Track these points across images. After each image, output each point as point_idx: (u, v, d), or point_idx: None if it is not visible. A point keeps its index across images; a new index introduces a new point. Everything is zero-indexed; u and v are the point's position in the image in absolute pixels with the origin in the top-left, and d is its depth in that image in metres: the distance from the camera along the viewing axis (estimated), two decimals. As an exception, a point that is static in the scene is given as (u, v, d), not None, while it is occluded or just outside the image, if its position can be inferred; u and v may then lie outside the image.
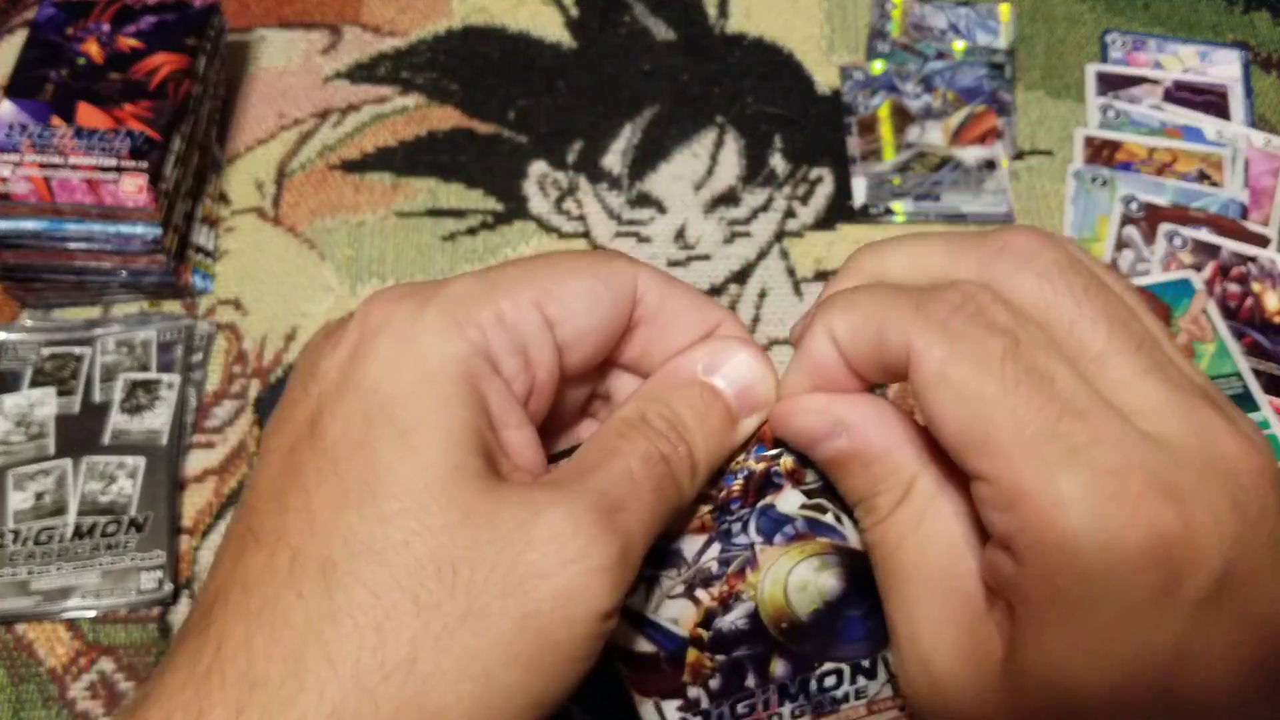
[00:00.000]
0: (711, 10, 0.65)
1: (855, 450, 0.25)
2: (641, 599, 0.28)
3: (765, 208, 0.57)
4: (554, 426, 0.30)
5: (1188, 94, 0.62)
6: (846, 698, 0.30)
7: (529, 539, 0.22)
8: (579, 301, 0.26)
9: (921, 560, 0.25)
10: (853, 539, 0.28)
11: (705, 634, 0.28)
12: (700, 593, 0.28)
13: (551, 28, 0.64)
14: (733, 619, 0.28)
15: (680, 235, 0.56)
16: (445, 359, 0.24)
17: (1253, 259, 0.55)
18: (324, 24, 0.63)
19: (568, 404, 0.29)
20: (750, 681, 0.29)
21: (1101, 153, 0.59)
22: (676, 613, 0.28)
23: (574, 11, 0.64)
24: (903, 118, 0.60)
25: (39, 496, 0.46)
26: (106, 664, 0.44)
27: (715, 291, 0.55)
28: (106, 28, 0.54)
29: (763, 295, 0.54)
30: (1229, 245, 0.56)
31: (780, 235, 0.56)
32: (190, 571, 0.46)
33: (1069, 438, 0.21)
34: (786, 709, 0.30)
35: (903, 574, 0.25)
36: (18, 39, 0.59)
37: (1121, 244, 0.56)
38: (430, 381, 0.23)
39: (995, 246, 0.24)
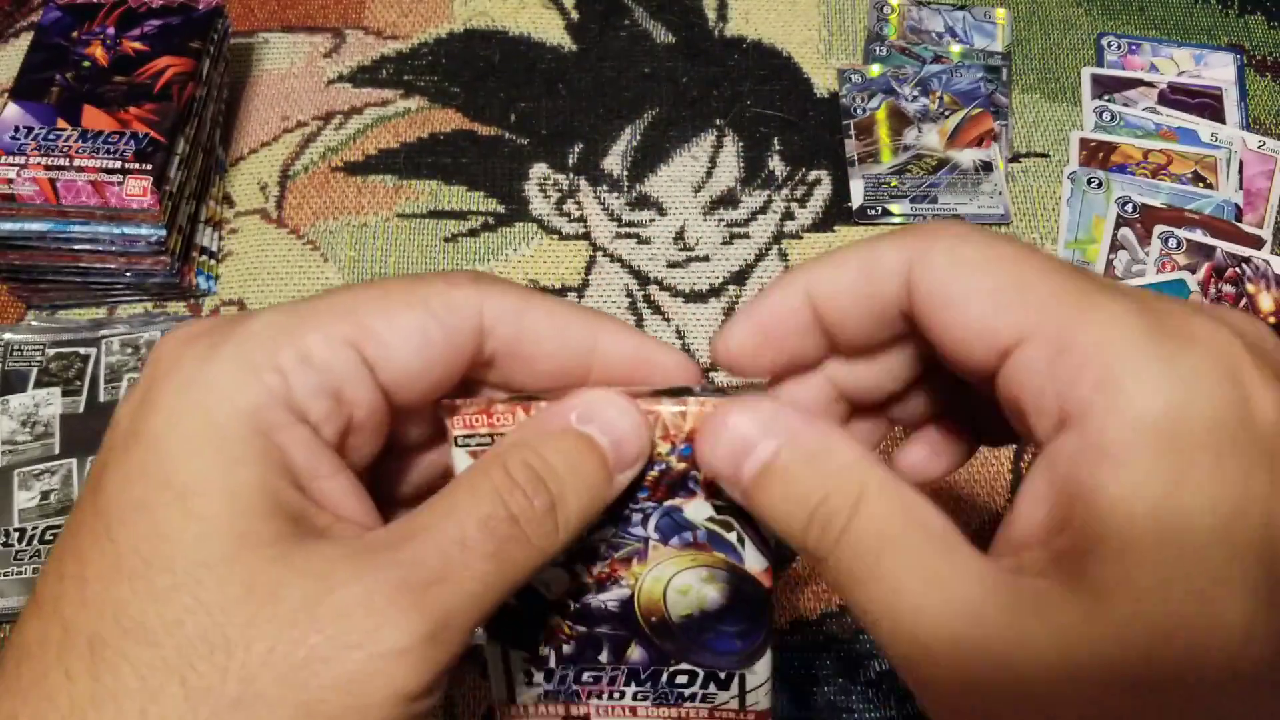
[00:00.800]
0: (711, 14, 0.65)
1: (794, 445, 0.23)
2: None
3: (764, 209, 0.58)
4: (409, 455, 0.28)
5: (1183, 97, 0.62)
6: (692, 698, 0.30)
7: (314, 619, 0.20)
8: (404, 340, 0.23)
9: (914, 561, 0.21)
10: (750, 564, 0.27)
11: (573, 605, 0.28)
12: (579, 567, 0.27)
13: (552, 31, 0.64)
14: (604, 599, 0.28)
15: (679, 236, 0.57)
16: (234, 410, 0.21)
17: (1247, 260, 0.56)
18: (327, 27, 0.64)
19: (416, 434, 0.27)
20: (603, 657, 0.29)
21: (1097, 155, 0.60)
22: (549, 578, 0.27)
23: (574, 15, 0.65)
24: (900, 120, 0.60)
25: (45, 495, 0.47)
26: (112, 661, 0.44)
27: (714, 292, 0.55)
28: (111, 31, 0.54)
29: (761, 296, 0.55)
30: (1223, 246, 0.56)
31: (779, 237, 0.57)
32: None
33: (1099, 279, 0.21)
34: (630, 689, 0.29)
35: (896, 582, 0.21)
36: (23, 42, 0.59)
37: (1116, 245, 0.57)
38: (215, 437, 0.21)
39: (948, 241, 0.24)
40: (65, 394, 0.49)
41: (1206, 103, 0.62)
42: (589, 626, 0.28)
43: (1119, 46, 0.65)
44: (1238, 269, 0.56)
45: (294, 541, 0.21)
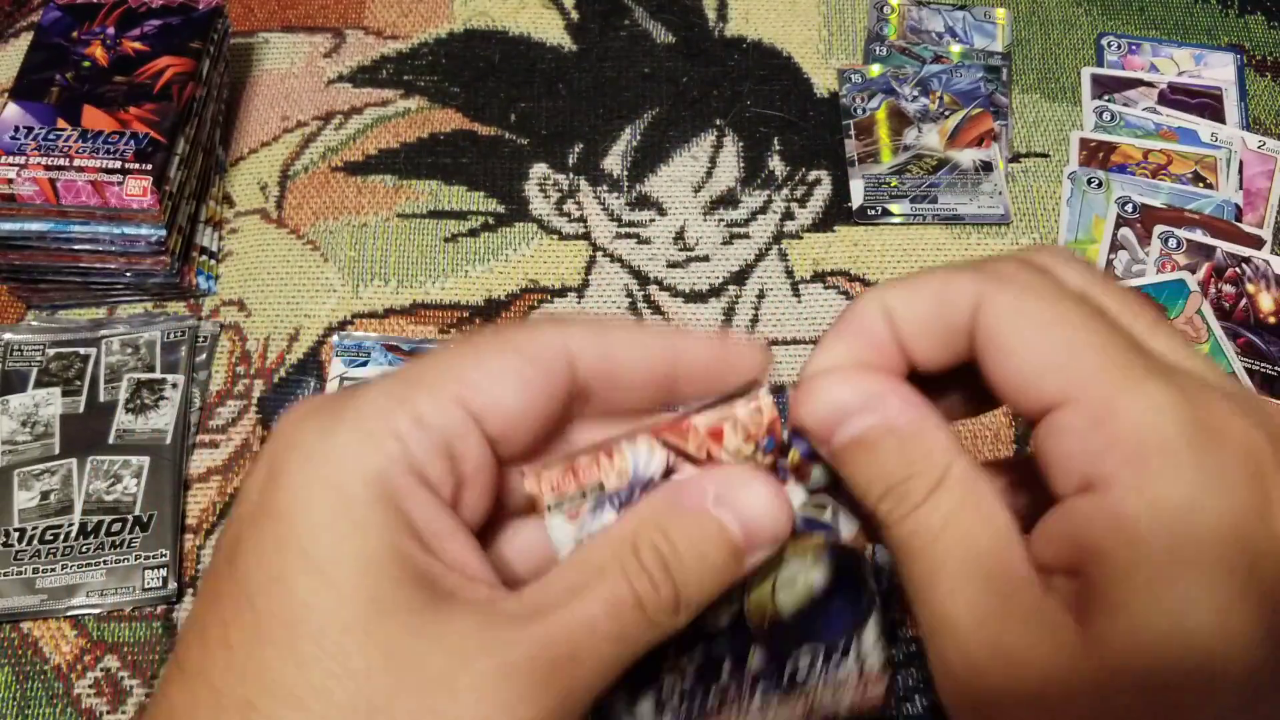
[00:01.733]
0: (711, 14, 0.65)
1: (890, 426, 0.24)
2: None
3: (764, 209, 0.58)
4: (516, 516, 0.29)
5: (1183, 97, 0.62)
6: (816, 678, 0.29)
7: (453, 691, 0.21)
8: (502, 385, 0.24)
9: (966, 547, 0.23)
10: (845, 533, 0.28)
11: (684, 636, 0.27)
12: None
13: (552, 31, 0.64)
14: (713, 620, 0.28)
15: (679, 237, 0.57)
16: (359, 479, 0.22)
17: (1247, 260, 0.56)
18: (327, 27, 0.64)
19: (519, 492, 0.28)
20: (725, 677, 0.29)
21: (1097, 155, 0.60)
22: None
23: (575, 15, 0.65)
24: (900, 120, 0.60)
25: (45, 495, 0.47)
26: (111, 661, 0.44)
27: (714, 292, 0.55)
28: (111, 31, 0.54)
29: (761, 296, 0.55)
30: (1223, 246, 0.56)
31: (779, 237, 0.57)
32: (194, 570, 0.46)
33: (1150, 361, 0.22)
34: (756, 694, 0.29)
35: (944, 563, 0.23)
36: (23, 42, 0.59)
37: (1116, 245, 0.57)
38: (344, 506, 0.22)
39: (1026, 254, 0.25)
40: (65, 394, 0.49)
41: (1206, 103, 0.62)
42: (705, 653, 0.28)
43: (1119, 46, 0.65)
44: (1238, 269, 0.56)
45: (429, 607, 0.22)
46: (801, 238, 0.57)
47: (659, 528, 0.24)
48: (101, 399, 0.49)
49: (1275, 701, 0.21)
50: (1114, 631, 0.21)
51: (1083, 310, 0.23)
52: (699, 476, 0.25)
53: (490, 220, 0.57)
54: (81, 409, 0.49)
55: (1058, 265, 0.25)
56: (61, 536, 0.46)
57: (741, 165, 0.59)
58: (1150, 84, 0.63)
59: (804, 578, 0.28)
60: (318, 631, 0.21)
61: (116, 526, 0.46)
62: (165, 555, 0.46)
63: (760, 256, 0.56)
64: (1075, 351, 0.22)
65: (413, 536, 0.23)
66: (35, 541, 0.46)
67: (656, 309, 0.54)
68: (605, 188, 0.58)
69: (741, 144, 0.60)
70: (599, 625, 0.23)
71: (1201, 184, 0.59)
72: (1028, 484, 0.27)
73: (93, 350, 0.51)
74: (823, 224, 0.57)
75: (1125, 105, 0.62)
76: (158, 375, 0.50)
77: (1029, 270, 0.24)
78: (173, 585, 0.45)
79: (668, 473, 0.26)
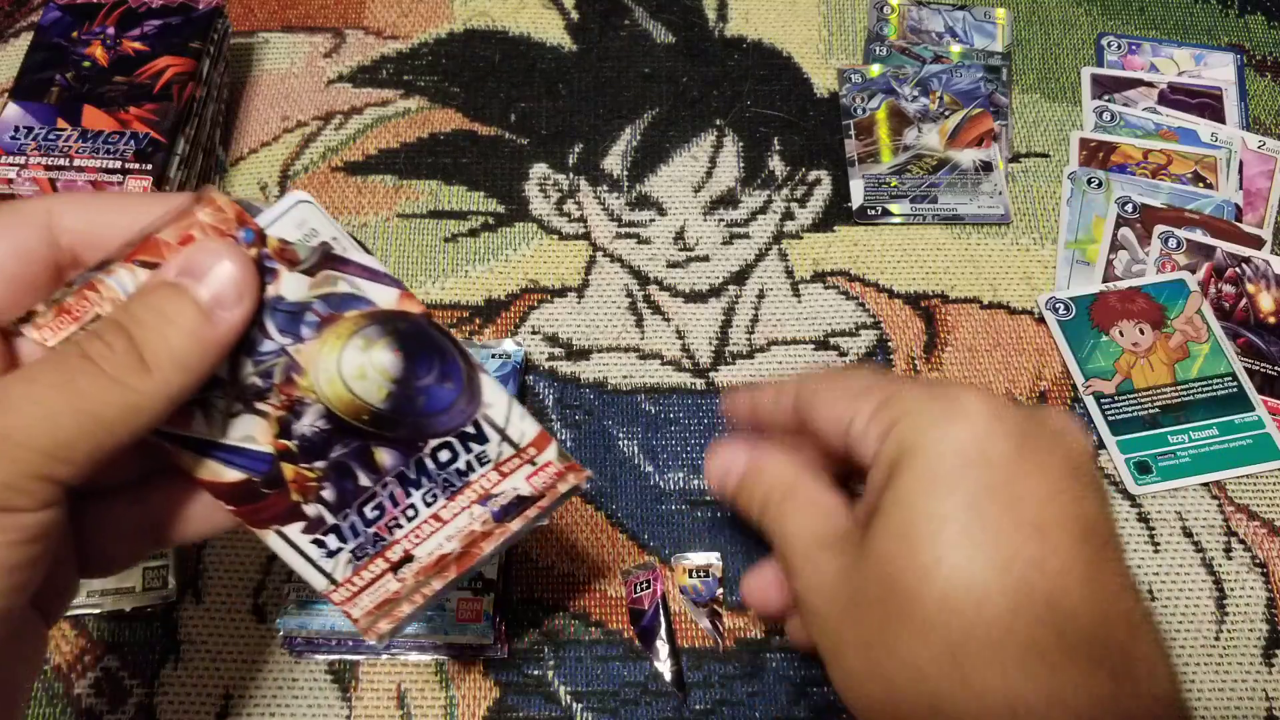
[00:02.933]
0: (711, 14, 0.65)
1: (753, 469, 0.34)
2: (203, 425, 0.27)
3: (764, 209, 0.58)
4: None
5: (1183, 97, 0.62)
6: (470, 468, 0.29)
7: None
8: None
9: (800, 512, 0.32)
10: (381, 299, 0.27)
11: (291, 444, 0.27)
12: (261, 405, 0.27)
13: (552, 31, 0.64)
14: (309, 422, 0.27)
15: (679, 236, 0.57)
16: None
17: (1247, 260, 0.56)
18: (327, 27, 0.64)
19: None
20: (364, 480, 0.28)
21: (1097, 155, 0.60)
22: (248, 430, 0.27)
23: (575, 15, 0.65)
24: (900, 120, 0.60)
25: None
26: (111, 661, 0.44)
27: (714, 292, 0.55)
28: (111, 31, 0.54)
29: (761, 296, 0.55)
30: (1223, 246, 0.56)
31: (779, 237, 0.57)
32: (194, 570, 0.46)
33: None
34: (416, 496, 0.29)
35: (789, 527, 0.32)
36: (23, 42, 0.59)
37: (1116, 245, 0.57)
38: None
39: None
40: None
41: (1206, 103, 0.62)
42: (324, 457, 0.28)
43: (1119, 46, 0.65)
44: (1238, 269, 0.56)
45: None
46: (801, 238, 0.57)
47: (117, 305, 0.25)
48: (101, 399, 0.49)
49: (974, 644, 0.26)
50: (869, 554, 0.28)
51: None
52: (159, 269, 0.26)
53: (490, 220, 0.57)
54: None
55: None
56: (61, 536, 0.46)
57: (741, 165, 0.59)
58: (1150, 84, 0.63)
59: (371, 364, 0.27)
60: None
61: (116, 526, 0.46)
62: (165, 556, 0.45)
63: (760, 256, 0.56)
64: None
65: None
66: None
67: (656, 309, 0.54)
68: (605, 188, 0.58)
69: (741, 144, 0.60)
70: (36, 377, 0.23)
71: (1201, 184, 0.59)
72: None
73: (93, 350, 0.51)
74: (823, 224, 0.57)
75: (1125, 105, 0.62)
76: (158, 375, 0.50)
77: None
78: (172, 585, 0.45)
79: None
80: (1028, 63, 0.64)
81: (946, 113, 0.60)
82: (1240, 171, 0.59)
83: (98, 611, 0.45)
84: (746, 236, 0.57)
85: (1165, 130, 0.61)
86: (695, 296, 0.55)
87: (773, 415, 0.35)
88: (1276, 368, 0.53)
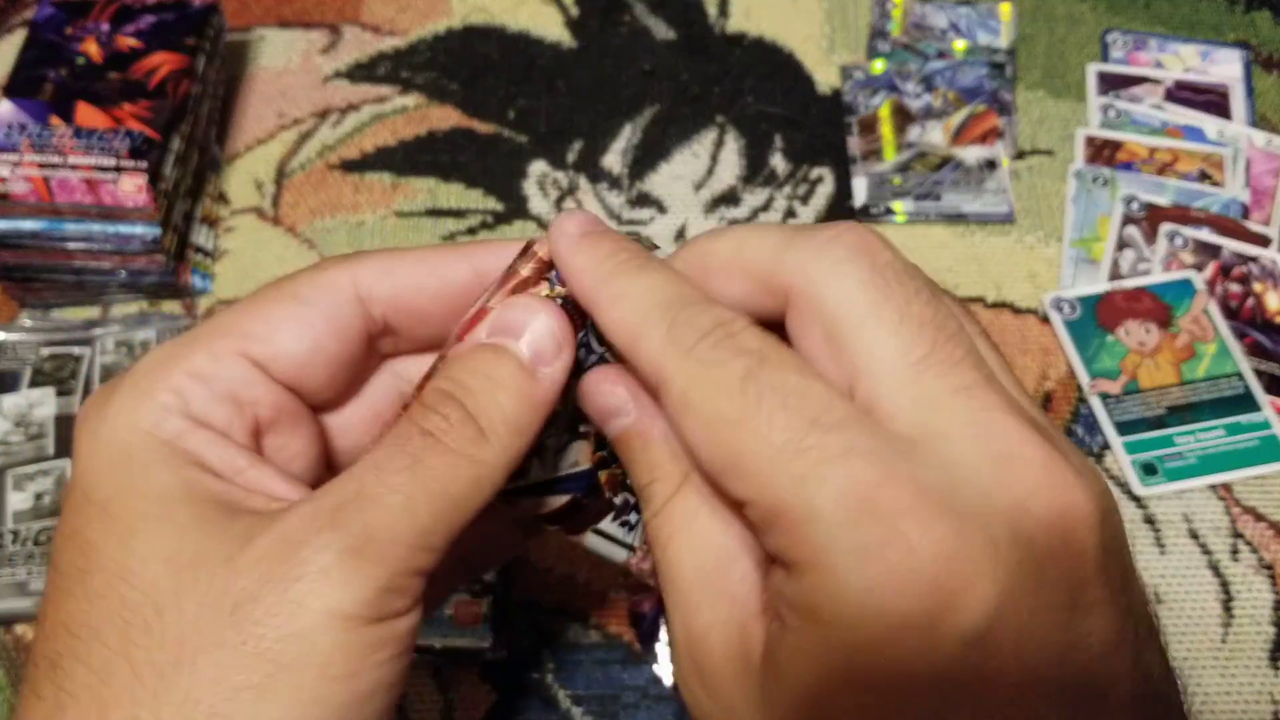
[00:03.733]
0: (712, 10, 0.65)
1: (636, 431, 0.25)
2: (539, 469, 0.27)
3: (765, 207, 0.57)
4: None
5: (1189, 94, 0.62)
6: None
7: (235, 569, 0.21)
8: (284, 335, 0.25)
9: (692, 558, 0.23)
10: None
11: (604, 452, 0.27)
12: (583, 428, 0.27)
13: (552, 27, 0.63)
14: None
15: (681, 235, 0.56)
16: (134, 430, 0.23)
17: (1254, 259, 0.55)
18: (324, 23, 0.63)
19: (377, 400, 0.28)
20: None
21: (1102, 152, 0.59)
22: (574, 456, 0.27)
23: (574, 11, 0.64)
24: (903, 117, 0.60)
25: (38, 497, 0.46)
26: (106, 665, 0.44)
27: (715, 291, 0.55)
28: (106, 27, 0.54)
29: (763, 295, 0.54)
30: (1230, 245, 0.56)
31: (780, 235, 0.56)
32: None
33: (820, 450, 0.20)
34: None
35: (674, 570, 0.24)
36: (17, 39, 0.59)
37: (1122, 244, 0.56)
38: (123, 455, 0.23)
39: (827, 236, 0.23)
40: (59, 394, 0.49)
41: (1213, 100, 0.61)
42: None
43: (1125, 43, 0.64)
44: (1245, 268, 0.55)
45: (219, 516, 0.22)
46: (803, 236, 0.56)
47: (441, 375, 0.24)
48: (96, 399, 0.49)
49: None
50: (781, 688, 0.21)
51: (747, 397, 0.21)
52: (473, 329, 0.25)
53: (489, 218, 0.57)
54: (75, 409, 0.49)
55: (833, 268, 0.23)
56: (55, 538, 0.45)
57: (743, 163, 0.59)
58: (1156, 81, 0.62)
59: None
60: (105, 564, 0.22)
61: (111, 528, 0.45)
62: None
63: (762, 255, 0.56)
64: (738, 455, 0.21)
65: (201, 469, 0.23)
66: (29, 543, 0.45)
67: (657, 308, 0.54)
68: (605, 185, 0.58)
69: (743, 141, 0.59)
70: (385, 461, 0.22)
71: (1208, 182, 0.58)
72: None
73: (87, 350, 0.50)
74: (825, 222, 0.57)
75: (1131, 102, 0.61)
76: (153, 375, 0.50)
77: (715, 333, 0.22)
78: (167, 588, 0.45)
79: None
80: (1032, 59, 0.63)
81: (950, 110, 0.60)
82: (1247, 169, 0.59)
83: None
84: (748, 235, 0.56)
85: (1171, 128, 0.60)
86: (696, 295, 0.54)
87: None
88: (1284, 368, 0.52)
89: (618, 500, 0.29)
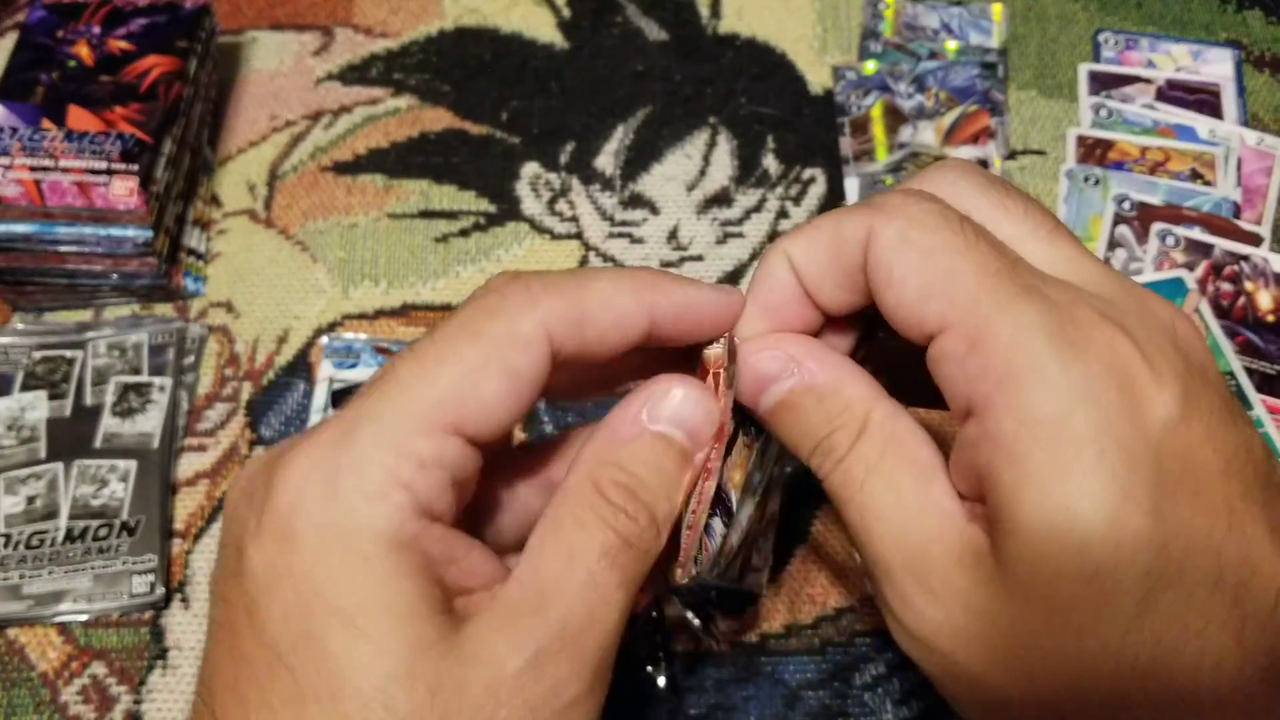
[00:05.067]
0: (704, 11, 0.65)
1: (808, 386, 0.26)
2: (717, 563, 0.28)
3: (758, 208, 0.57)
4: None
5: (1180, 93, 0.62)
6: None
7: (497, 699, 0.22)
8: (496, 402, 0.24)
9: (892, 491, 0.24)
10: None
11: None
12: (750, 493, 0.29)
13: (544, 29, 0.63)
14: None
15: (673, 236, 0.56)
16: (373, 537, 0.22)
17: (1245, 258, 0.55)
18: (316, 25, 0.63)
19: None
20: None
21: (1094, 152, 0.59)
22: (746, 515, 0.28)
23: (566, 12, 0.64)
24: (895, 118, 0.60)
25: (30, 500, 0.46)
26: (98, 668, 0.44)
27: (708, 292, 0.55)
28: (97, 30, 0.54)
29: (755, 296, 0.55)
30: (1222, 244, 0.56)
31: (773, 236, 0.56)
32: (182, 575, 0.46)
33: (1024, 280, 0.23)
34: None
35: (874, 508, 0.24)
36: (8, 41, 0.59)
37: (1114, 243, 0.56)
38: (363, 563, 0.22)
39: (936, 169, 0.27)
40: (51, 397, 0.49)
41: (1205, 99, 0.61)
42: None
43: (1116, 42, 0.64)
44: (1236, 267, 0.55)
45: (454, 634, 0.23)
46: (796, 237, 0.56)
47: (611, 463, 0.25)
48: (88, 402, 0.49)
49: (1167, 599, 0.21)
50: (1016, 555, 0.22)
51: (964, 235, 0.24)
52: (620, 404, 0.26)
53: (481, 220, 0.57)
54: (68, 412, 0.49)
55: (953, 185, 0.26)
56: (48, 542, 0.45)
57: (735, 164, 0.59)
58: (1148, 80, 0.62)
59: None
60: (360, 684, 0.21)
61: (103, 531, 0.45)
62: (152, 560, 0.45)
63: (755, 256, 0.56)
64: (953, 278, 0.23)
65: (431, 576, 0.23)
66: (21, 547, 0.45)
67: (649, 309, 0.54)
68: (598, 187, 0.58)
69: (735, 142, 0.59)
70: (602, 580, 0.24)
71: (1200, 181, 0.58)
72: None
73: (79, 353, 0.50)
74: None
75: (1123, 102, 0.61)
76: (145, 378, 0.50)
77: (916, 199, 0.25)
78: (160, 591, 0.45)
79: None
80: (1024, 59, 0.64)
81: (942, 110, 0.60)
82: (1239, 168, 0.59)
83: (84, 618, 0.44)
84: (741, 235, 0.56)
85: (1163, 127, 0.60)
86: (689, 296, 0.54)
87: (788, 308, 0.27)
88: (1275, 366, 0.52)
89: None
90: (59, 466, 0.47)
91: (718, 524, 0.27)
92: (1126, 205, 0.57)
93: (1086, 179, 0.58)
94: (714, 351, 0.27)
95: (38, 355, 0.50)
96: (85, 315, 0.53)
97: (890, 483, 0.24)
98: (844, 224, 0.25)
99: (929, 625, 0.24)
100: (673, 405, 0.26)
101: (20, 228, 0.49)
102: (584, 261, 0.55)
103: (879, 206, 0.25)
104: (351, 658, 0.22)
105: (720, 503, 0.27)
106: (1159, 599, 0.21)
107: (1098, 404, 0.21)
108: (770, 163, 0.59)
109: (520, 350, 0.24)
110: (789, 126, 0.60)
